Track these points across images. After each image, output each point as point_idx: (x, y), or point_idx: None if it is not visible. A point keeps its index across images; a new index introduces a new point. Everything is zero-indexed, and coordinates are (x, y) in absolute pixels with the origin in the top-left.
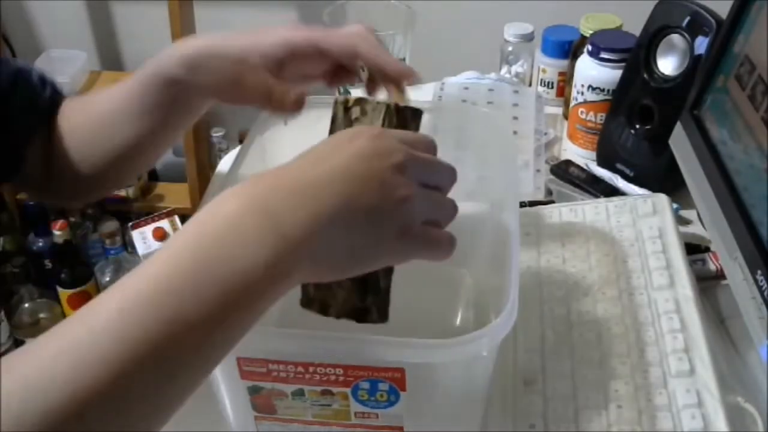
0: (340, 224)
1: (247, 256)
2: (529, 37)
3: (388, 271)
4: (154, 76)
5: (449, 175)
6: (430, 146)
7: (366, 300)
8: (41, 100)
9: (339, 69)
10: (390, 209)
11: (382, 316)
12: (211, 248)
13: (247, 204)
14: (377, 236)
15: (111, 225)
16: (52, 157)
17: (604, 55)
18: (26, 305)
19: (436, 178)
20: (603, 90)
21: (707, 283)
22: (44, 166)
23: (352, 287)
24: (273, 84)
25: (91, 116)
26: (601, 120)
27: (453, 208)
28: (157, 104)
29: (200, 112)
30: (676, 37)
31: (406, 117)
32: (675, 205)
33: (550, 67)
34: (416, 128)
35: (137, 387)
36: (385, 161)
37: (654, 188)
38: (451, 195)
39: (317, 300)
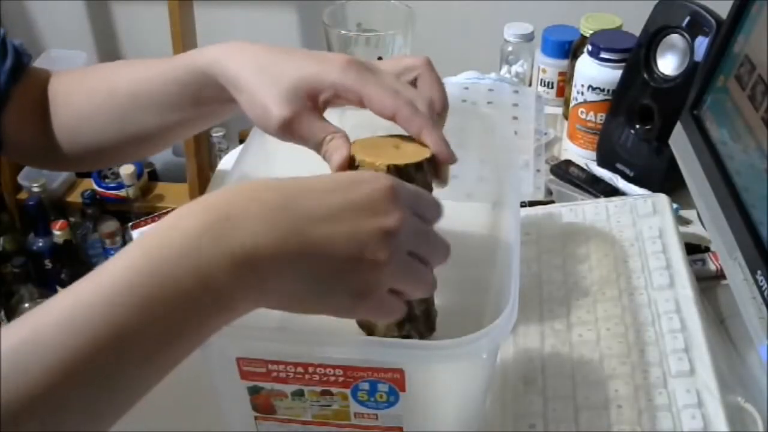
0: (301, 267)
1: (197, 280)
2: (529, 37)
3: (423, 299)
4: (193, 72)
5: (441, 253)
6: (435, 212)
7: (404, 328)
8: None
9: None
10: (357, 273)
11: (424, 334)
12: (163, 266)
13: (208, 222)
14: (332, 292)
15: (111, 225)
16: (48, 130)
17: (604, 55)
18: (26, 305)
19: (424, 252)
20: (603, 90)
21: (707, 283)
22: (37, 138)
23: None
24: (328, 133)
25: (113, 96)
26: (601, 120)
27: (429, 283)
28: (195, 104)
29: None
30: (676, 37)
31: (409, 174)
32: (675, 205)
33: (550, 67)
34: (423, 178)
35: (75, 396)
36: (377, 222)
37: (654, 188)
38: (451, 195)
39: (365, 326)
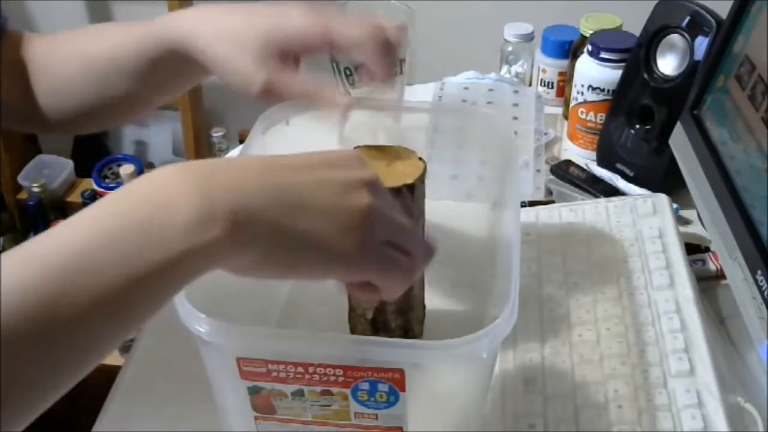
0: (287, 205)
1: (166, 222)
2: (529, 37)
3: (400, 313)
4: (163, 46)
5: (421, 246)
6: (408, 239)
7: (378, 336)
8: None
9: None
10: (348, 212)
11: None
12: (129, 216)
13: (183, 174)
14: (332, 229)
15: None
16: (30, 93)
17: (604, 55)
18: None
19: (402, 241)
20: (603, 90)
21: (707, 283)
22: (19, 101)
23: (367, 323)
24: (316, 85)
25: (90, 62)
26: (601, 120)
27: (424, 244)
28: (171, 74)
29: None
30: (676, 37)
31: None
32: (675, 205)
33: (550, 67)
34: (402, 202)
35: (25, 352)
36: (352, 174)
37: (654, 188)
38: (451, 195)
39: (350, 323)
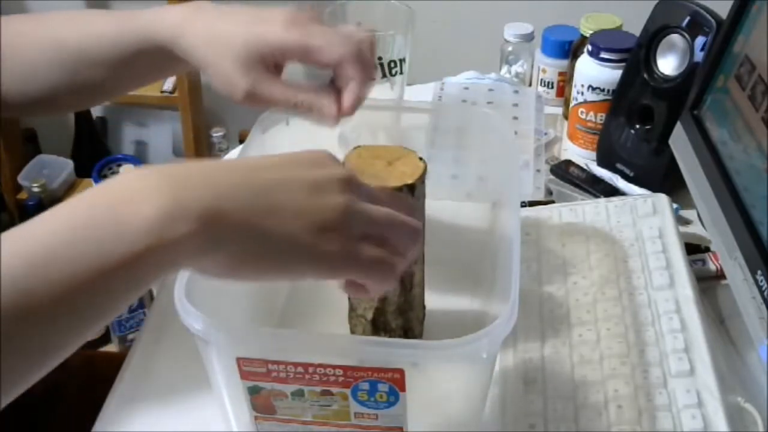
0: (258, 205)
1: (130, 217)
2: (529, 37)
3: (400, 313)
4: (146, 41)
5: (402, 235)
6: (405, 206)
7: (378, 336)
8: None
9: None
10: (321, 212)
11: None
12: (98, 210)
13: (150, 174)
14: (305, 230)
15: None
16: None
17: (604, 55)
18: None
19: (381, 234)
20: (603, 90)
21: (707, 283)
22: None
23: (367, 323)
24: (289, 95)
25: (62, 50)
26: (601, 120)
27: (406, 230)
28: (143, 65)
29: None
30: (676, 37)
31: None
32: (675, 205)
33: (550, 67)
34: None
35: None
36: (329, 172)
37: (654, 188)
38: (451, 195)
39: (350, 323)
